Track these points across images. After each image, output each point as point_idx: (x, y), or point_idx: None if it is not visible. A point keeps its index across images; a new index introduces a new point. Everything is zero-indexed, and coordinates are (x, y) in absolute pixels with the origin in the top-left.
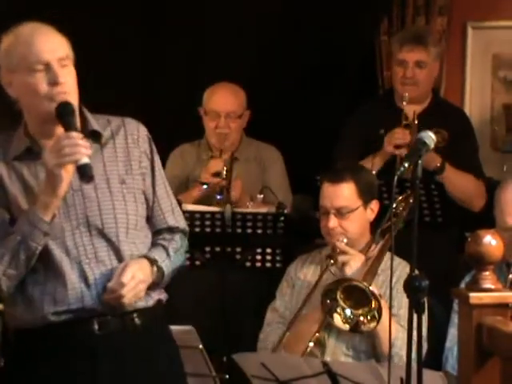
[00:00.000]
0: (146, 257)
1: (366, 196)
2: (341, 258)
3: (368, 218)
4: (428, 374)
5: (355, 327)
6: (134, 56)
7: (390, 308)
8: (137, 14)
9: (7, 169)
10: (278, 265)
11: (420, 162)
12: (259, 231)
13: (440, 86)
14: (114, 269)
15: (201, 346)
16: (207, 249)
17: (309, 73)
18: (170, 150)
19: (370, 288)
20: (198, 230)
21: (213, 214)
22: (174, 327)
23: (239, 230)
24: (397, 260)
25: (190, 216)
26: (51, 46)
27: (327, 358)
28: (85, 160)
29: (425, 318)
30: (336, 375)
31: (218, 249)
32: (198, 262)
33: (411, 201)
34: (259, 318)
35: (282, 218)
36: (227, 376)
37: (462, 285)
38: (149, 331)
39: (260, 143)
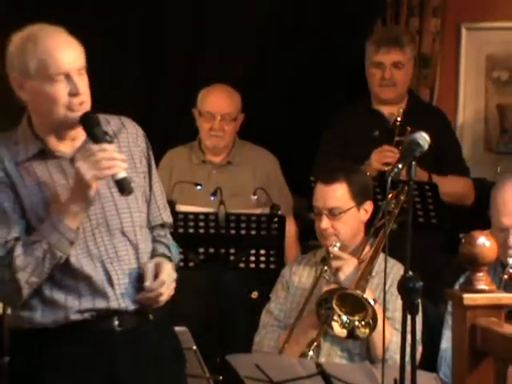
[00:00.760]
0: (163, 255)
1: (359, 197)
2: (334, 264)
3: (361, 218)
4: (422, 375)
5: (352, 332)
6: (133, 56)
7: (384, 311)
8: (137, 14)
9: (19, 173)
10: (272, 266)
11: (414, 163)
12: (253, 232)
13: (434, 87)
14: (134, 267)
15: (194, 347)
16: (201, 250)
17: (302, 73)
18: (168, 150)
19: (364, 296)
20: (191, 231)
21: (207, 215)
22: None
23: (233, 231)
24: (391, 262)
25: (183, 217)
26: (72, 57)
27: (322, 360)
28: (122, 174)
29: (419, 319)
30: (330, 377)
31: (211, 250)
32: (191, 264)
33: (402, 198)
34: (253, 320)
35: (276, 219)
36: (221, 377)
37: (457, 286)
38: (158, 327)
39: (253, 146)
